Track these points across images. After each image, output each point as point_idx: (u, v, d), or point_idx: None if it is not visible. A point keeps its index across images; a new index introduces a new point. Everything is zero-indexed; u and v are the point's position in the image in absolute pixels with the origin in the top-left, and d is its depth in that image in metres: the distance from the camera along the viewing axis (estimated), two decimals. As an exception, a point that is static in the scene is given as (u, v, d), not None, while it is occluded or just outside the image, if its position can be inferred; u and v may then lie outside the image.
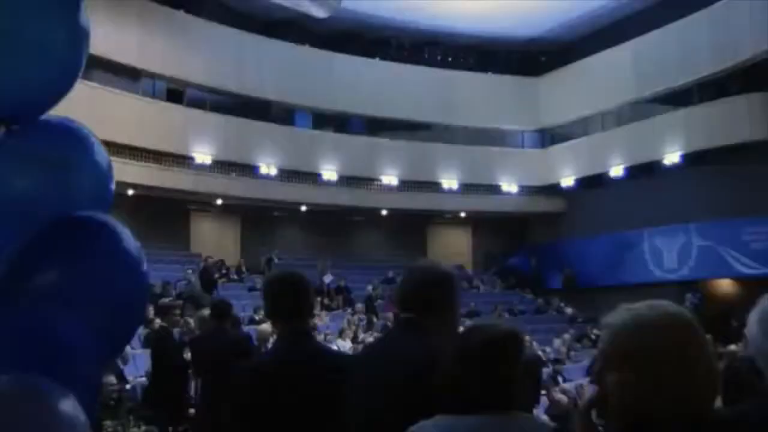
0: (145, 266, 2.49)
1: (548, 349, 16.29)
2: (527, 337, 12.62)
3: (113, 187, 2.59)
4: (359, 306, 18.78)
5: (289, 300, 2.86)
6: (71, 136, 2.43)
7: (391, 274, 22.20)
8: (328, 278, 20.07)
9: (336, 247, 23.83)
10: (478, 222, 26.19)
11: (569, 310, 22.72)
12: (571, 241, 24.04)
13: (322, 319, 16.99)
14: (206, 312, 7.30)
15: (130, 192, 18.84)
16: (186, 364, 7.49)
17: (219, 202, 22.00)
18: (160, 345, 7.83)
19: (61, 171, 2.32)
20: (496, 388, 1.85)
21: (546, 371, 13.23)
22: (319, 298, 19.10)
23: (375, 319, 16.78)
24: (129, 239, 2.44)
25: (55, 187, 2.30)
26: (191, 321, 8.80)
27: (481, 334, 1.93)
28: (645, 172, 22.32)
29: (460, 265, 25.47)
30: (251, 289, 19.02)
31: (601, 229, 22.72)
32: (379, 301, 19.92)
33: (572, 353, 17.26)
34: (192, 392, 7.77)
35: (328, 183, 22.65)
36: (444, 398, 1.87)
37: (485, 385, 1.84)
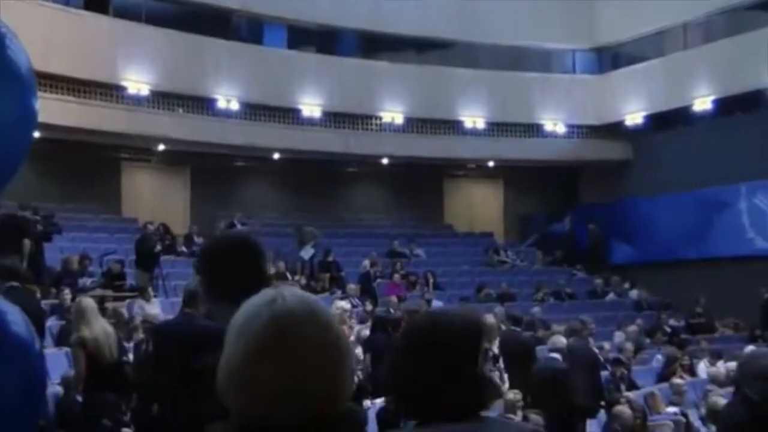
0: (38, 355, 2.66)
1: (607, 345, 16.10)
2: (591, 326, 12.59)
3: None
4: (352, 287, 18.82)
5: (237, 272, 2.80)
6: None
7: (396, 244, 22.12)
8: (307, 252, 20.06)
9: (321, 208, 23.99)
10: (512, 175, 26.24)
11: (636, 293, 22.76)
12: (638, 201, 24.04)
13: None
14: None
15: (38, 135, 18.68)
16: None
17: (161, 148, 22.05)
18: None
19: None
20: (461, 390, 2.07)
21: (604, 375, 13.26)
22: (296, 278, 19.20)
23: (373, 306, 16.69)
24: (16, 321, 2.60)
25: None
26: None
27: (437, 325, 2.15)
28: (742, 105, 22.23)
29: (488, 233, 25.51)
30: None
31: (680, 185, 22.70)
32: (379, 280, 19.97)
33: (640, 351, 17.21)
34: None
35: (310, 122, 22.67)
36: (406, 404, 2.07)
37: (449, 388, 2.06)
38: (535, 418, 8.62)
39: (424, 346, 2.12)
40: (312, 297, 1.74)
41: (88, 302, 8.30)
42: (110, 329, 8.05)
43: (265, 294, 1.69)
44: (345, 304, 12.75)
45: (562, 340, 11.20)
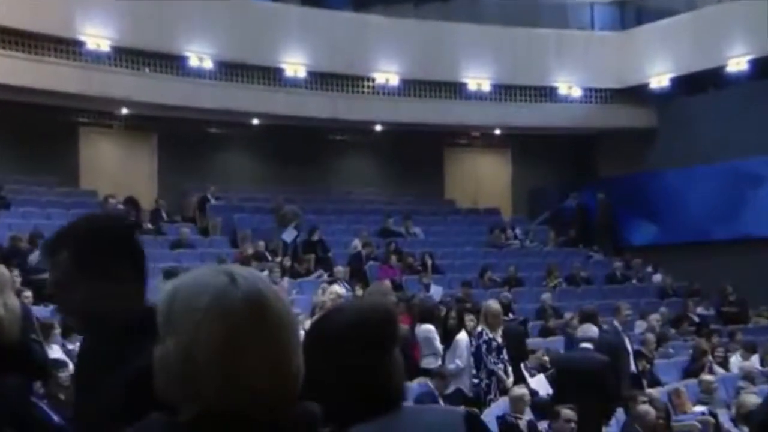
0: None
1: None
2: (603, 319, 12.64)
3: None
4: (340, 270, 18.82)
5: (114, 260, 2.60)
6: None
7: (390, 222, 22.22)
8: (289, 234, 20.12)
9: (305, 181, 24.08)
10: (522, 144, 26.25)
11: (659, 278, 22.80)
12: (663, 174, 24.05)
13: (283, 290, 16.83)
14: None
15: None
16: None
17: (123, 112, 22.02)
18: None
19: None
20: (378, 384, 2.18)
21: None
22: (278, 259, 19.13)
23: (363, 290, 16.68)
24: None
25: None
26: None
27: (347, 316, 2.28)
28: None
29: (494, 209, 25.50)
30: (175, 244, 19.20)
31: (711, 156, 22.69)
32: (371, 262, 19.97)
33: (664, 343, 17.19)
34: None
35: (294, 83, 22.61)
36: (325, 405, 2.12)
37: (373, 381, 2.18)
38: (568, 413, 8.58)
39: (321, 343, 2.23)
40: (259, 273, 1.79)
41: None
42: (16, 304, 8.05)
43: (215, 272, 1.72)
44: (339, 289, 12.74)
45: (593, 329, 11.22)
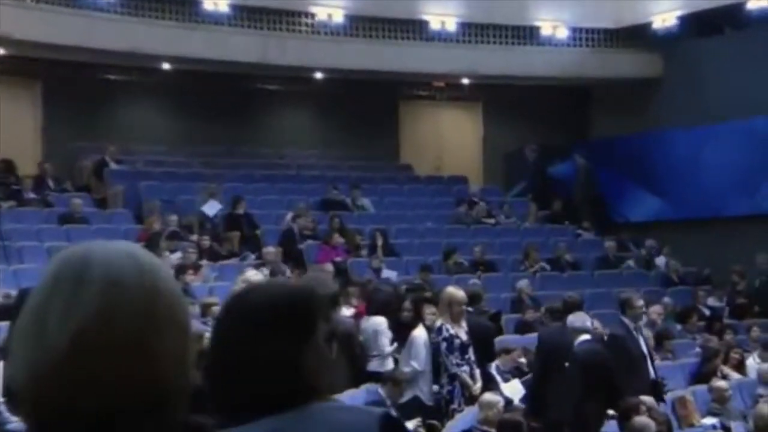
0: None
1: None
2: (589, 315, 12.62)
3: None
4: (271, 250, 18.78)
5: None
6: None
7: (333, 191, 22.32)
8: (212, 207, 20.18)
9: (229, 140, 24.10)
10: (496, 97, 26.30)
11: (663, 262, 22.93)
12: (669, 134, 24.19)
13: (200, 275, 16.90)
14: None
15: None
16: None
17: (0, 52, 21.65)
18: None
19: None
20: (285, 376, 2.31)
21: None
22: (194, 237, 19.15)
23: (298, 275, 16.65)
24: None
25: None
26: None
27: (258, 297, 2.41)
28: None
29: (461, 177, 25.49)
30: (64, 218, 19.04)
31: (728, 111, 22.80)
32: (310, 241, 20.00)
33: (667, 342, 17.30)
34: None
35: (214, 19, 22.54)
36: (215, 396, 2.32)
37: (267, 375, 2.30)
38: None
39: (228, 325, 2.37)
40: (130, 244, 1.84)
41: None
42: None
43: (71, 253, 1.78)
44: (254, 276, 12.58)
45: (584, 318, 11.28)
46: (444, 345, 11.43)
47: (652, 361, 12.71)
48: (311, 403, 2.31)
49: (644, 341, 12.62)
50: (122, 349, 1.72)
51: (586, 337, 11.09)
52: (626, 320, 12.25)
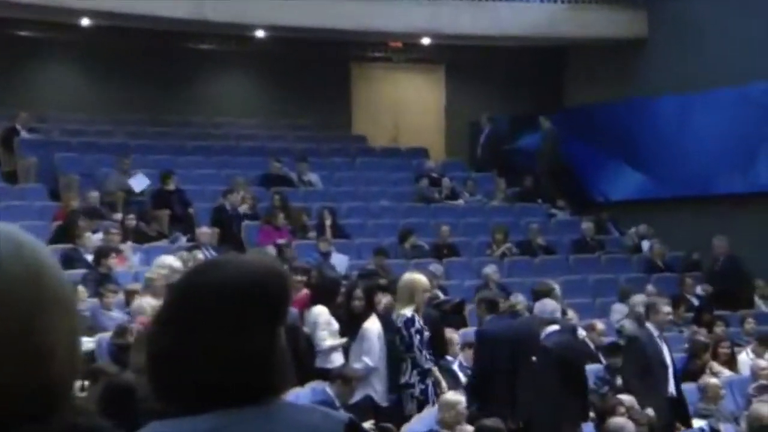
0: None
1: (600, 325, 16.46)
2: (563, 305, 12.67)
3: None
4: (205, 231, 18.77)
5: None
6: None
7: (276, 165, 22.31)
8: (140, 182, 20.13)
9: (157, 107, 24.13)
10: (460, 59, 26.41)
11: (647, 245, 23.03)
12: (655, 102, 24.25)
13: (124, 259, 16.92)
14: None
15: None
16: None
17: None
18: None
19: None
20: (241, 365, 2.29)
21: (594, 370, 13.46)
22: (118, 216, 19.09)
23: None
24: None
25: None
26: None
27: (222, 277, 2.37)
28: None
29: (420, 149, 25.49)
30: None
31: (722, 77, 22.78)
32: (249, 221, 19.98)
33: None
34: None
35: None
36: (157, 388, 2.33)
37: (224, 364, 2.28)
38: None
39: (188, 305, 2.33)
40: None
41: None
42: None
43: None
44: (174, 261, 12.49)
45: (553, 307, 11.30)
46: (417, 338, 11.38)
47: (676, 375, 12.69)
48: (271, 399, 2.31)
49: (668, 352, 12.62)
50: (5, 339, 1.71)
51: (554, 327, 11.09)
52: (651, 326, 12.21)
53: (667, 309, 12.67)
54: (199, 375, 2.28)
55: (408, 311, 11.49)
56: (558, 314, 11.41)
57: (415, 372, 11.43)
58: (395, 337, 11.51)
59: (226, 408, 2.27)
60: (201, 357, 2.27)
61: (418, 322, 11.41)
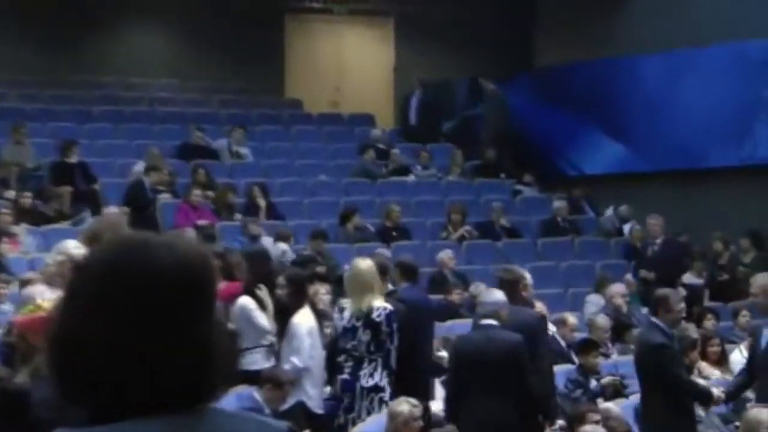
0: None
1: (572, 319, 16.67)
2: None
3: None
4: (113, 210, 18.49)
5: None
6: None
7: (198, 134, 22.42)
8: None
9: (61, 65, 24.19)
10: (411, 13, 26.51)
11: (627, 228, 23.15)
12: (635, 62, 24.49)
13: (18, 243, 17.16)
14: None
15: None
16: None
17: None
18: None
19: None
20: (175, 361, 2.29)
21: (565, 369, 13.74)
22: (11, 194, 19.13)
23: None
24: None
25: None
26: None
27: (138, 260, 2.35)
28: None
29: (365, 116, 25.59)
30: None
31: (709, 34, 22.97)
32: (165, 198, 20.10)
33: (629, 330, 17.45)
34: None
35: None
36: (65, 389, 2.31)
37: (144, 364, 2.27)
38: None
39: (100, 292, 2.29)
40: None
41: None
42: None
43: None
44: (74, 248, 12.33)
45: (497, 297, 11.29)
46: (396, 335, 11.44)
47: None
48: (202, 405, 2.32)
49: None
50: None
51: (489, 321, 11.04)
52: (661, 323, 12.07)
53: (681, 306, 12.52)
54: (121, 373, 2.26)
55: (379, 302, 11.48)
56: (504, 310, 11.29)
57: (385, 373, 11.45)
58: (369, 332, 11.44)
59: (143, 416, 2.25)
60: (125, 351, 2.25)
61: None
